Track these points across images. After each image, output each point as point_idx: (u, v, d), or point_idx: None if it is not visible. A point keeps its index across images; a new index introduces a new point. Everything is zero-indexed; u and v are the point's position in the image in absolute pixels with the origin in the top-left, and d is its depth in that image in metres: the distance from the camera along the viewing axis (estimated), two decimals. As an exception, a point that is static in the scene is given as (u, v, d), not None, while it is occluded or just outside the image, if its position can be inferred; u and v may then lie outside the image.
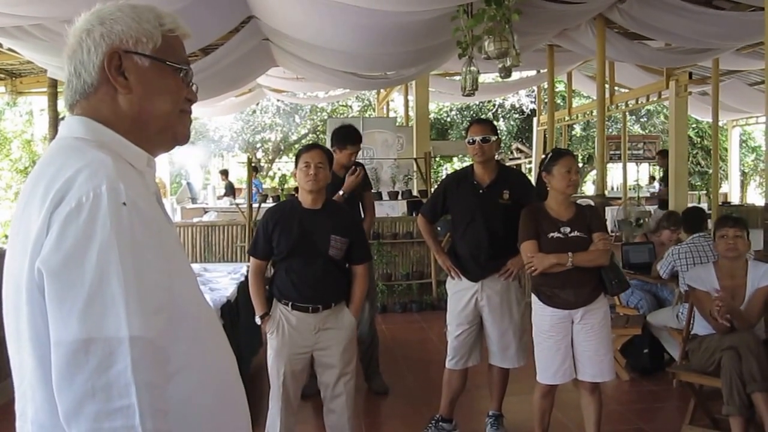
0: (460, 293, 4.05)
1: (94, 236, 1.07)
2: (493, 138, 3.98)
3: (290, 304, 3.41)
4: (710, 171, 12.68)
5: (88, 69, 1.26)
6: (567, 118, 12.54)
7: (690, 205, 9.93)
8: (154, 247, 1.16)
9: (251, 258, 3.55)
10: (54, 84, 7.54)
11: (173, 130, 1.34)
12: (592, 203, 6.46)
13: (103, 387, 1.04)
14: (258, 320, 3.50)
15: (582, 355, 3.60)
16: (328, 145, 5.15)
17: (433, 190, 5.77)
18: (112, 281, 1.07)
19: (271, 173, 21.86)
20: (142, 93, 1.28)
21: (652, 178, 20.30)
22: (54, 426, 1.10)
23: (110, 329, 1.05)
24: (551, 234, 3.57)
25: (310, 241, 3.39)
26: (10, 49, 6.67)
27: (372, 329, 5.02)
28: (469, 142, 3.99)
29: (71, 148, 1.20)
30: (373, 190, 5.19)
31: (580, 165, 23.17)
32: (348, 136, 4.75)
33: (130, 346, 1.05)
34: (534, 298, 3.70)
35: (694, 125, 20.74)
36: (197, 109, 11.44)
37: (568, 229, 3.57)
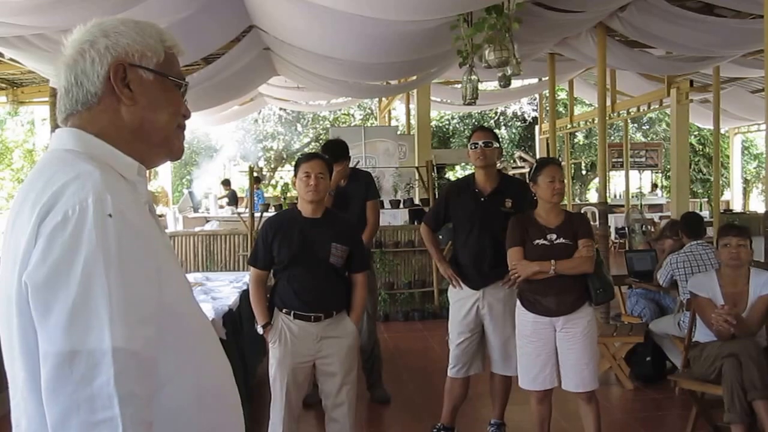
0: (462, 301, 4.05)
1: (80, 249, 1.08)
2: (495, 144, 4.00)
3: (292, 313, 3.41)
4: (712, 178, 12.69)
5: (91, 79, 1.27)
6: (569, 125, 12.55)
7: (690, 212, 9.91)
8: (142, 257, 1.16)
9: (251, 268, 3.55)
10: (56, 93, 7.54)
11: (170, 144, 1.37)
12: (596, 210, 6.45)
13: (86, 399, 1.05)
14: (260, 330, 3.51)
15: (564, 364, 3.61)
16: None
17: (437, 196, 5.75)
18: (96, 293, 1.07)
19: (273, 182, 21.89)
20: (145, 105, 1.30)
21: (654, 186, 20.32)
22: None
23: (94, 341, 1.06)
24: (537, 241, 3.60)
25: (310, 249, 3.39)
26: (11, 59, 6.69)
27: (373, 338, 5.01)
28: (471, 147, 4.01)
29: (60, 161, 1.21)
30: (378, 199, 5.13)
31: (584, 173, 23.23)
32: (333, 153, 4.70)
33: (113, 357, 1.06)
34: (518, 302, 3.73)
35: (695, 133, 20.76)
36: (199, 118, 11.49)
37: (554, 236, 3.59)
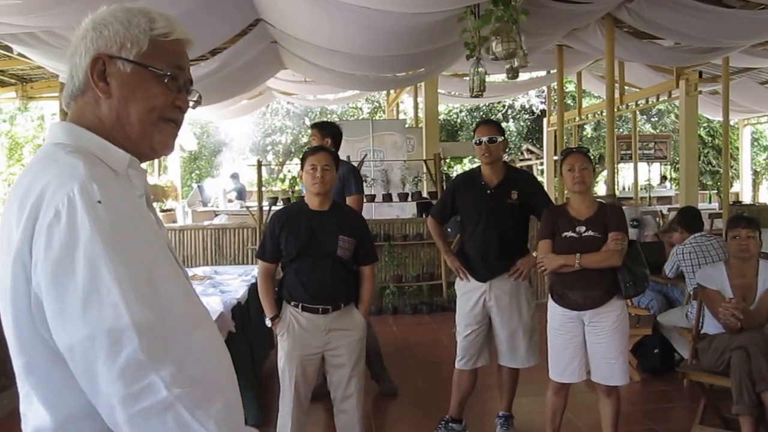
0: (469, 294, 4.06)
1: (78, 237, 1.08)
2: (500, 138, 3.99)
3: (300, 305, 3.43)
4: (721, 170, 12.64)
5: (77, 73, 1.27)
6: (577, 118, 12.50)
7: (698, 204, 9.89)
8: (135, 240, 1.15)
9: (259, 261, 3.57)
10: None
11: (149, 138, 1.31)
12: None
13: (119, 375, 1.04)
14: (268, 322, 3.52)
15: (593, 357, 3.60)
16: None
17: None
18: (103, 274, 1.07)
19: (281, 176, 21.90)
20: (119, 98, 1.27)
21: (663, 178, 20.23)
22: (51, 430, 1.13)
23: (111, 320, 1.06)
24: (565, 233, 3.57)
25: (318, 242, 3.41)
26: (20, 55, 6.72)
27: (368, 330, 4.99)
28: (476, 143, 4.01)
29: (47, 157, 1.21)
30: (366, 194, 5.03)
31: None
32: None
33: (135, 329, 1.06)
34: (548, 295, 3.73)
35: (705, 124, 20.63)
36: (209, 113, 11.50)
37: (583, 229, 3.56)
